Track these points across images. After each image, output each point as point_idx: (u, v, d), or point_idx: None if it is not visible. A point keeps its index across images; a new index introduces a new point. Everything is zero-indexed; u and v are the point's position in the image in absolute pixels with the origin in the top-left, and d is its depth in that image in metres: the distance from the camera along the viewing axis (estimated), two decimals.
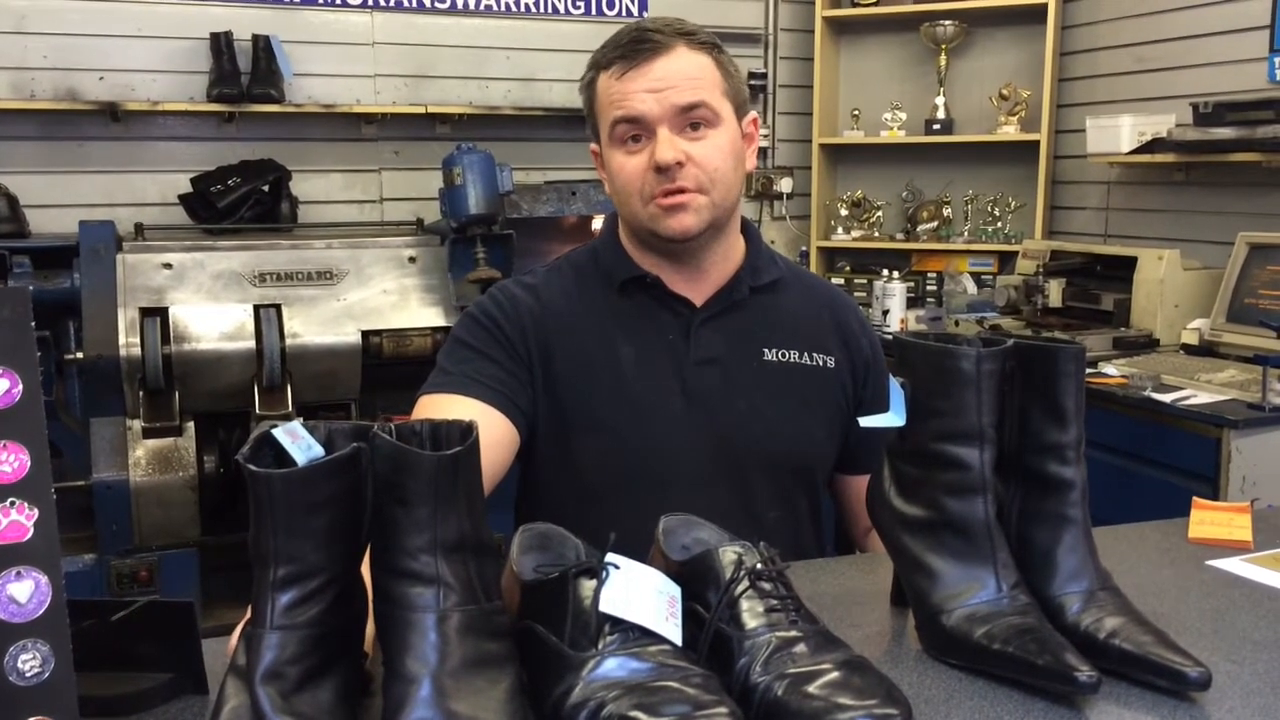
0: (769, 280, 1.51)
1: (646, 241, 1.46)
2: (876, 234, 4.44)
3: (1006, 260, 4.16)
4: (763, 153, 4.49)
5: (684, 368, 1.45)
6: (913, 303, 4.09)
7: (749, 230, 1.54)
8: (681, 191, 1.37)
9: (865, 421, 1.18)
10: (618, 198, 1.45)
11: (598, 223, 3.67)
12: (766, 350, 1.48)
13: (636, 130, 1.38)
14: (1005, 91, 4.14)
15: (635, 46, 1.38)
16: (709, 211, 1.40)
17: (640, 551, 1.01)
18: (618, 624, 0.92)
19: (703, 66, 1.39)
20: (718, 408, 1.45)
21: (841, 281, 4.34)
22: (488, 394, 1.40)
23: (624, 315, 1.47)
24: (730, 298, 1.48)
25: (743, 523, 1.30)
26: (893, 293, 3.85)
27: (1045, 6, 3.97)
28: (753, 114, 1.47)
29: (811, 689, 0.89)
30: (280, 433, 0.91)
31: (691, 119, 1.37)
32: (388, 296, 3.25)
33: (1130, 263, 3.42)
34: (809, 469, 1.52)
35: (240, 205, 3.54)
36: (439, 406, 1.38)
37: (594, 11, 4.14)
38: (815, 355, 1.51)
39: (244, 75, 3.58)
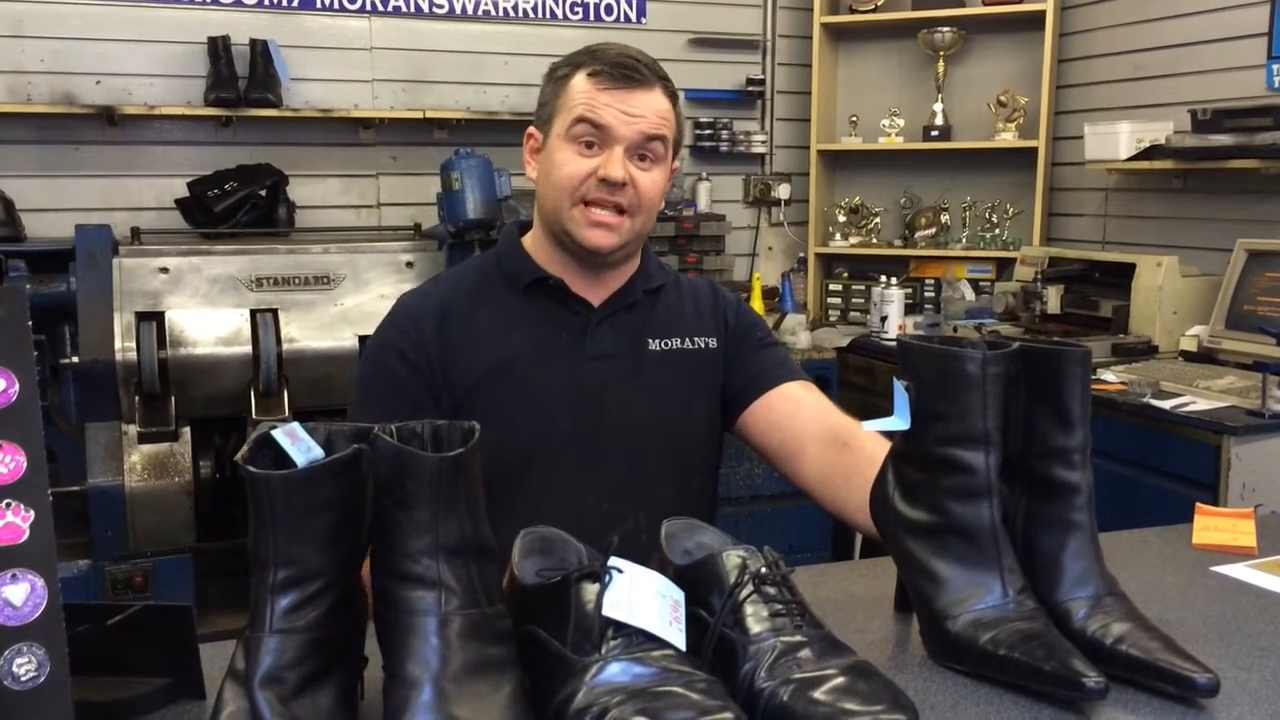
0: (658, 284, 1.65)
1: (559, 239, 1.55)
2: (874, 240, 4.44)
3: (1004, 267, 4.15)
4: (761, 159, 4.50)
5: (579, 363, 1.56)
6: (910, 309, 4.08)
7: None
8: (616, 209, 1.49)
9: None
10: (549, 189, 1.53)
11: None
12: (652, 341, 1.61)
13: (594, 137, 1.48)
14: (1003, 98, 4.14)
15: (624, 71, 1.48)
16: (628, 235, 1.52)
17: (548, 520, 1.08)
18: (621, 628, 0.91)
19: (669, 111, 1.53)
20: (607, 396, 1.56)
21: (839, 288, 4.34)
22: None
23: (526, 316, 1.57)
24: (625, 300, 1.60)
25: (633, 499, 1.52)
26: (891, 299, 3.84)
27: (1043, 14, 3.97)
28: (677, 162, 1.61)
29: (817, 694, 0.89)
30: (280, 434, 0.90)
31: (645, 150, 1.50)
32: (385, 301, 3.19)
33: (1128, 269, 3.41)
34: (695, 446, 1.63)
35: (237, 210, 3.53)
36: None
37: (591, 17, 4.13)
38: (697, 339, 1.64)
39: (241, 80, 3.57)
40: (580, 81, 1.49)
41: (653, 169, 1.51)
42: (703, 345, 1.63)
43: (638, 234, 1.54)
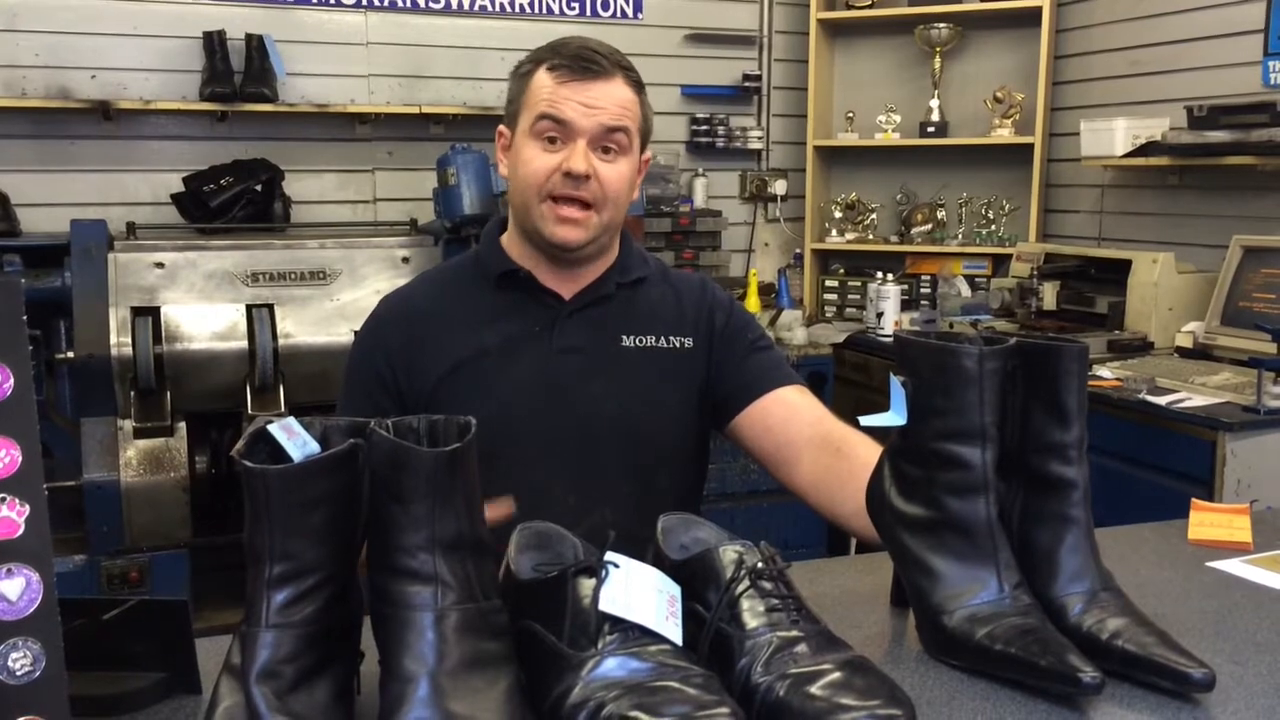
0: (636, 277, 1.63)
1: (529, 235, 1.55)
2: (871, 237, 4.44)
3: (1000, 263, 4.15)
4: (757, 155, 4.49)
5: (546, 356, 1.56)
6: (907, 305, 4.08)
7: (623, 234, 1.66)
8: (582, 204, 1.49)
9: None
10: (516, 185, 1.54)
11: None
12: (625, 337, 1.60)
13: (557, 132, 1.49)
14: (999, 94, 4.14)
15: (581, 63, 1.49)
16: (597, 229, 1.53)
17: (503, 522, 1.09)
18: (617, 623, 0.91)
19: (632, 101, 1.53)
20: (574, 391, 1.56)
21: (835, 284, 4.34)
22: None
23: (496, 310, 1.58)
24: (597, 293, 1.60)
25: (598, 493, 1.52)
26: (887, 295, 3.84)
27: (1039, 10, 3.97)
28: (648, 153, 1.61)
29: (814, 689, 0.89)
30: (276, 428, 0.90)
31: (608, 141, 1.50)
32: (381, 297, 3.23)
33: (1124, 266, 3.41)
34: (663, 443, 1.61)
35: (233, 205, 3.52)
36: None
37: (589, 12, 4.13)
38: (672, 338, 1.62)
39: (237, 74, 3.56)
40: (541, 77, 1.50)
41: (617, 160, 1.51)
42: (677, 345, 1.62)
43: (606, 227, 1.54)
